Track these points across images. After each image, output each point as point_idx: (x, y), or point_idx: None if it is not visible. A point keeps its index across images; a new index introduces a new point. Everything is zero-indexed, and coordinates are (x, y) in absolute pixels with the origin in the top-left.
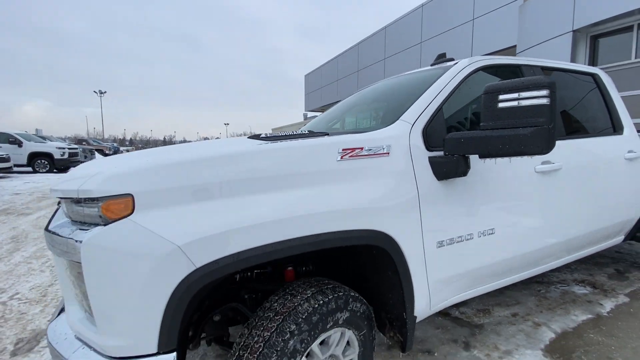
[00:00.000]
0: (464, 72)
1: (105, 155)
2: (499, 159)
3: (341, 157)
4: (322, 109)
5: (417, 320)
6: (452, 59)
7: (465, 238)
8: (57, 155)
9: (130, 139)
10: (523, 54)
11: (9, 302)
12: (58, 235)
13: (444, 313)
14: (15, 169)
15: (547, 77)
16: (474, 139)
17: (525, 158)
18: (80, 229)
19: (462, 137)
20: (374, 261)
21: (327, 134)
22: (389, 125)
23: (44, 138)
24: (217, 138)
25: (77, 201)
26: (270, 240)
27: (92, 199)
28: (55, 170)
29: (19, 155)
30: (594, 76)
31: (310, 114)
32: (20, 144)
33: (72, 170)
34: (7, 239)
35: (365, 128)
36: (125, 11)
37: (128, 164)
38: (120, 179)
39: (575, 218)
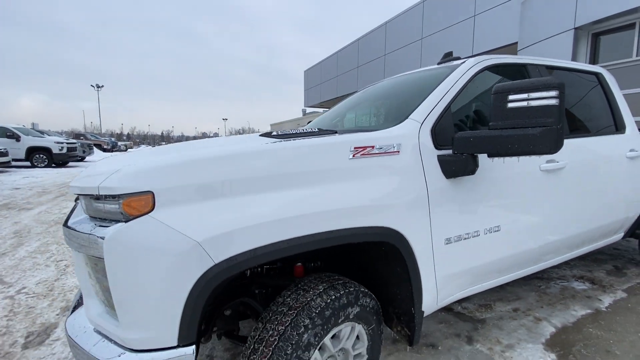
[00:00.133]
0: (472, 71)
1: (104, 150)
2: (506, 158)
3: (353, 156)
4: (322, 105)
5: (425, 315)
6: (458, 58)
7: (472, 235)
8: (55, 150)
9: (128, 133)
10: (524, 51)
11: (17, 296)
12: (78, 231)
13: (446, 308)
14: (14, 163)
15: (556, 78)
16: (484, 138)
17: (531, 157)
18: (100, 226)
19: (472, 136)
20: (383, 257)
21: (336, 132)
22: (398, 123)
23: (41, 132)
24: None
25: (97, 198)
26: (287, 236)
27: (113, 196)
28: (53, 165)
29: (17, 150)
30: (597, 75)
31: (309, 110)
32: (18, 139)
33: (91, 167)
34: (10, 234)
35: (373, 126)
36: (122, 4)
37: (148, 161)
38: (141, 177)
39: (578, 216)
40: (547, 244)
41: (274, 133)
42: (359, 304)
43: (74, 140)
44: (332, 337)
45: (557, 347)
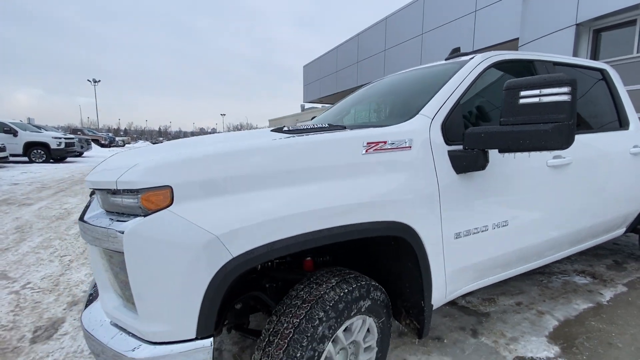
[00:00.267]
0: (480, 67)
1: (102, 145)
2: (516, 154)
3: (366, 151)
4: (321, 101)
5: (433, 308)
6: (466, 54)
7: (480, 230)
8: (53, 145)
9: (125, 129)
10: (525, 47)
11: (22, 291)
12: (96, 225)
13: (451, 302)
14: (11, 158)
15: (568, 74)
16: (495, 133)
17: (539, 153)
18: (118, 220)
19: (483, 132)
20: (393, 252)
21: (345, 128)
22: (408, 119)
23: (39, 127)
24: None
25: (115, 192)
26: (302, 231)
27: (132, 190)
28: (51, 161)
29: (15, 145)
30: (602, 71)
31: (307, 106)
32: (15, 134)
33: (107, 162)
34: (11, 229)
35: (381, 122)
36: None
37: (165, 155)
38: (160, 171)
39: (583, 211)
40: (553, 238)
41: (285, 128)
42: (370, 297)
43: (72, 136)
44: (345, 329)
45: (560, 340)
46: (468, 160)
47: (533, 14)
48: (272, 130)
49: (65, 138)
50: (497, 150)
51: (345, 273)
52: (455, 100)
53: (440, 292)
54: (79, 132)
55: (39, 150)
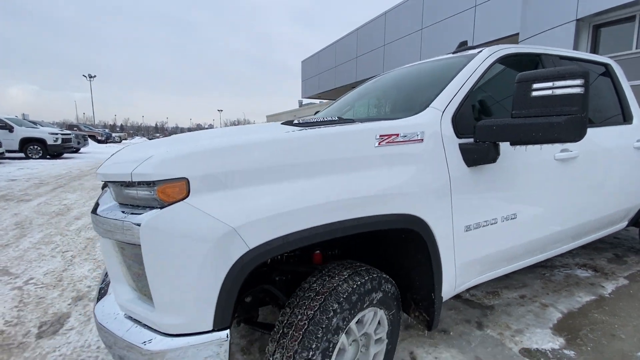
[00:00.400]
0: (489, 60)
1: (98, 141)
2: (526, 147)
3: (379, 144)
4: (320, 96)
5: (443, 300)
6: (473, 47)
7: (490, 223)
8: (50, 141)
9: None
10: (525, 43)
11: (25, 287)
12: (110, 218)
13: (455, 295)
14: (7, 155)
15: (581, 67)
16: (507, 126)
17: (547, 146)
18: (132, 213)
19: (494, 125)
20: (403, 245)
21: (354, 121)
22: (418, 112)
23: (35, 123)
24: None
25: (130, 184)
26: (317, 223)
27: (148, 183)
28: (48, 157)
29: (10, 141)
30: (606, 66)
31: (305, 101)
32: (11, 129)
33: (119, 154)
34: (11, 225)
35: (390, 116)
36: None
37: (181, 147)
38: (176, 163)
39: (588, 204)
40: (560, 231)
41: (296, 121)
42: (382, 289)
43: (69, 132)
44: (357, 321)
45: (564, 332)
46: (479, 153)
47: (533, 9)
48: (282, 124)
49: (61, 134)
50: (508, 143)
51: (357, 266)
52: (465, 93)
53: (450, 284)
54: (75, 128)
55: (36, 146)
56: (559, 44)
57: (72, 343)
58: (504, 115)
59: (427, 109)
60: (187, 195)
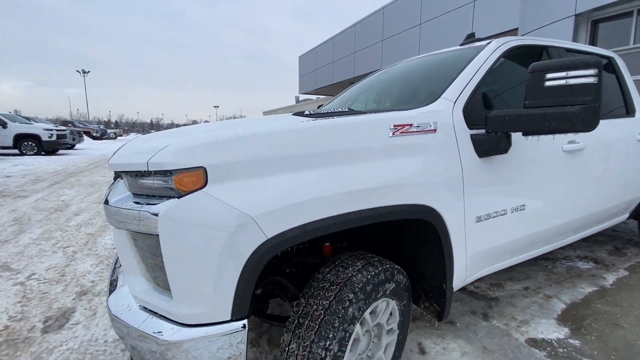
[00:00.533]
0: (498, 51)
1: (93, 137)
2: (535, 138)
3: (392, 134)
4: (317, 92)
5: (454, 291)
6: (480, 39)
7: (500, 213)
8: (44, 137)
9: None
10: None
11: (27, 282)
12: (126, 208)
13: (460, 288)
14: (1, 151)
15: (594, 56)
16: (520, 116)
17: (555, 137)
18: (148, 203)
19: (507, 115)
20: (414, 236)
21: (365, 112)
22: (429, 103)
23: (29, 119)
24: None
25: (145, 174)
26: (334, 213)
27: (165, 172)
28: (43, 153)
29: (4, 137)
30: (609, 59)
31: (302, 97)
32: (4, 125)
33: (131, 144)
34: (9, 221)
35: (402, 107)
36: None
37: (197, 136)
38: (193, 152)
39: (594, 196)
40: (566, 223)
41: (307, 112)
42: (394, 280)
43: (64, 127)
44: (370, 312)
45: (569, 322)
46: (491, 143)
47: (532, 4)
48: (293, 114)
49: (56, 130)
50: (519, 134)
51: (369, 257)
52: (476, 84)
53: (461, 275)
54: (69, 124)
55: (30, 143)
56: (558, 39)
57: (79, 337)
58: (513, 106)
59: (439, 99)
60: (205, 185)
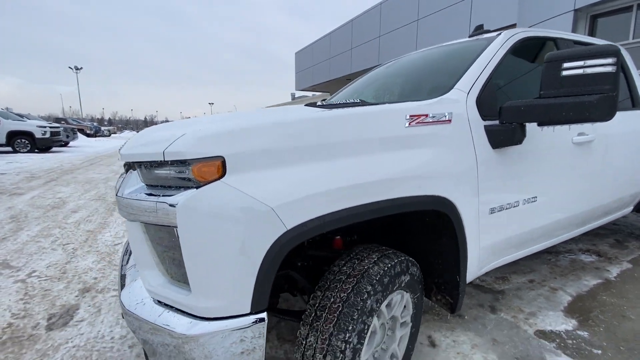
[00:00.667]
0: (508, 43)
1: (87, 135)
2: (548, 129)
3: (409, 124)
4: (314, 89)
5: (466, 283)
6: (489, 31)
7: (512, 205)
8: (38, 135)
9: (109, 118)
10: None
11: (28, 279)
12: (141, 200)
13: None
14: None
15: (612, 45)
16: (536, 106)
17: (565, 129)
18: (164, 195)
19: (522, 105)
20: (426, 228)
21: (377, 104)
22: (443, 94)
23: (21, 116)
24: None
25: (161, 164)
26: (352, 204)
27: (182, 162)
28: (36, 150)
29: None
30: None
31: (298, 94)
32: None
33: (143, 134)
34: (6, 219)
35: (413, 98)
36: None
37: (215, 125)
38: (211, 141)
39: (601, 188)
40: (575, 215)
41: (319, 103)
42: (409, 272)
43: (57, 125)
44: (386, 305)
45: (576, 314)
46: (505, 134)
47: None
48: (305, 105)
49: (50, 127)
50: (534, 125)
51: (384, 249)
52: (488, 75)
53: (474, 267)
54: (62, 122)
55: (24, 140)
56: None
57: (85, 334)
58: (523, 97)
59: (452, 90)
60: (224, 175)
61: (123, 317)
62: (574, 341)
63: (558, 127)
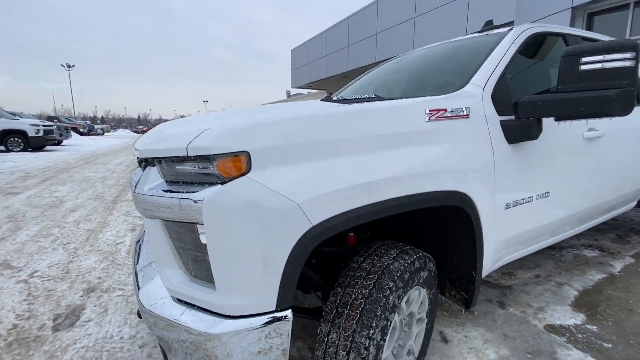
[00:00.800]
0: (520, 38)
1: (80, 133)
2: (565, 124)
3: (429, 119)
4: (310, 86)
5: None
6: (498, 26)
7: (527, 200)
8: (31, 133)
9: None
10: None
11: (31, 280)
12: (163, 197)
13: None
14: None
15: (631, 40)
16: (553, 101)
17: (576, 124)
18: (188, 191)
19: (539, 100)
20: (442, 223)
21: (393, 99)
22: (458, 89)
23: (14, 114)
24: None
25: (184, 160)
26: (376, 199)
27: (207, 157)
28: (30, 149)
29: None
30: None
31: (293, 92)
32: None
33: (161, 129)
34: (3, 218)
35: (426, 93)
36: None
37: (238, 120)
38: (236, 136)
39: (609, 183)
40: (584, 209)
41: (335, 98)
42: (427, 268)
43: (51, 123)
44: (406, 301)
45: (583, 308)
46: (522, 129)
47: None
48: (322, 100)
49: (43, 125)
50: (551, 119)
51: (401, 245)
52: (502, 70)
53: (489, 262)
54: (55, 120)
55: (16, 139)
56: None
57: (93, 335)
58: (536, 92)
59: (468, 85)
60: (249, 170)
61: (140, 317)
62: (584, 335)
63: (569, 123)
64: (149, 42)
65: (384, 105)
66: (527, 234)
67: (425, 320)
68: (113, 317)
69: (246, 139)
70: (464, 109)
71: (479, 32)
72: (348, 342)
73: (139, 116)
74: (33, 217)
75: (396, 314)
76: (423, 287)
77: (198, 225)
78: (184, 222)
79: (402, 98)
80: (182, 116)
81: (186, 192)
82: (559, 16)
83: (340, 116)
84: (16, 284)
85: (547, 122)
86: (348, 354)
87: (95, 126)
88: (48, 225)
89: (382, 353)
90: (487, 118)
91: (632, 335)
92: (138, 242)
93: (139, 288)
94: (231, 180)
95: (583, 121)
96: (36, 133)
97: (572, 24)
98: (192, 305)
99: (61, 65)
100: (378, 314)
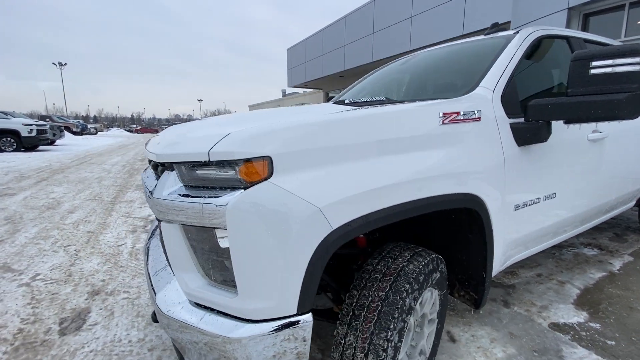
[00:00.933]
0: (527, 41)
1: (73, 133)
2: (564, 128)
3: (442, 122)
4: (306, 85)
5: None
6: (504, 29)
7: (534, 202)
8: (24, 133)
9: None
10: None
11: (33, 283)
12: (185, 202)
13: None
14: None
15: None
16: (564, 104)
17: (584, 127)
18: (210, 196)
19: (550, 103)
20: (452, 225)
21: (404, 102)
22: (468, 92)
23: (5, 114)
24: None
25: (205, 164)
26: (394, 202)
27: (229, 162)
28: (22, 149)
29: None
30: None
31: (289, 91)
32: None
33: (175, 133)
34: (0, 220)
35: (434, 96)
36: None
37: (260, 124)
38: (259, 141)
39: (611, 183)
40: (587, 210)
41: (347, 101)
42: (439, 270)
43: (43, 123)
44: (420, 302)
45: (586, 306)
46: (531, 132)
47: None
48: (334, 103)
49: (36, 125)
50: (561, 122)
51: (413, 247)
52: (510, 73)
53: (498, 262)
54: (47, 119)
55: (9, 138)
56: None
57: (101, 338)
58: (543, 95)
59: (478, 87)
60: (271, 175)
61: (155, 321)
62: (588, 333)
63: (579, 125)
64: (142, 41)
65: (401, 108)
66: (534, 235)
67: (436, 320)
68: (120, 320)
69: (268, 144)
70: (475, 112)
71: (485, 34)
72: (366, 345)
73: (132, 115)
74: (31, 218)
75: (412, 316)
76: (435, 289)
77: (218, 230)
78: (204, 227)
79: (413, 101)
80: (176, 115)
81: (208, 197)
82: (555, 17)
83: (359, 120)
84: (18, 287)
85: (554, 124)
86: (366, 356)
87: (89, 125)
88: (47, 227)
89: (399, 354)
90: (498, 121)
91: (634, 332)
92: (147, 245)
93: (155, 293)
94: (253, 185)
95: (590, 123)
96: (29, 133)
97: (567, 25)
98: (212, 310)
99: (53, 63)
100: (395, 316)
